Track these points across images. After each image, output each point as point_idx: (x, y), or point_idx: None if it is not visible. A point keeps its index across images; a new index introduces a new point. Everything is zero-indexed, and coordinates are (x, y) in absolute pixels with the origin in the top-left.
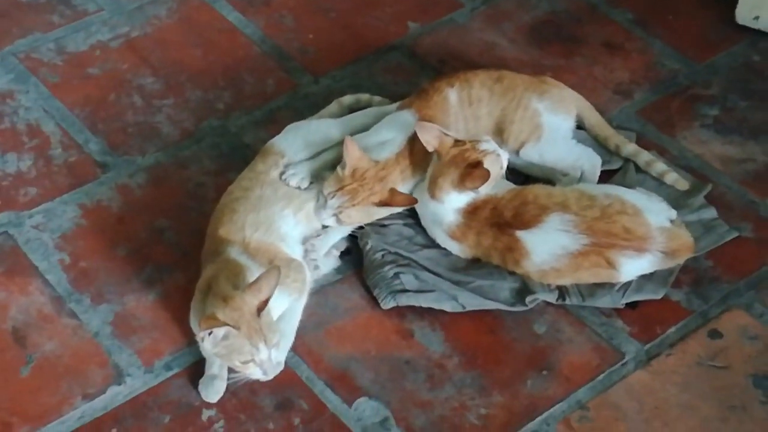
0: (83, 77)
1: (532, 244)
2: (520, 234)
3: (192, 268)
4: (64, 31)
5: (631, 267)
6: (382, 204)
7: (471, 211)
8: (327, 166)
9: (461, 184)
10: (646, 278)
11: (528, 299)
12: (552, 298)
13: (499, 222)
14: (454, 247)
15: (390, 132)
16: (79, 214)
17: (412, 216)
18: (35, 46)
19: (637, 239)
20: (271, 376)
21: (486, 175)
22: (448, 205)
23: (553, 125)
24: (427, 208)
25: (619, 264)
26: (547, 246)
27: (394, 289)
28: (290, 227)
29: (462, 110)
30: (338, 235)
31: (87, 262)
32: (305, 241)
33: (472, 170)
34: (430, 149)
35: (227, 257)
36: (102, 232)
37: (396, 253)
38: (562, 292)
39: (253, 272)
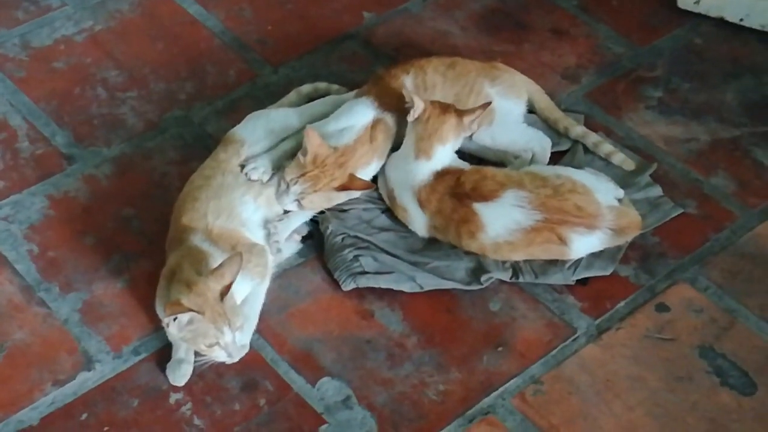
0: (48, 71)
1: (488, 218)
2: (477, 206)
3: (158, 256)
4: (29, 26)
5: (582, 244)
6: (342, 189)
7: (441, 175)
8: (287, 155)
9: (459, 122)
10: (595, 255)
11: (483, 278)
12: (506, 276)
13: (459, 193)
14: (416, 215)
15: (348, 119)
16: (47, 205)
17: (371, 201)
18: (0, 42)
19: (587, 216)
20: (236, 359)
21: (485, 106)
22: (432, 164)
23: (505, 109)
24: (400, 173)
25: (570, 240)
26: (502, 220)
27: (354, 272)
28: (251, 212)
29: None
30: (300, 219)
31: (55, 251)
32: (266, 224)
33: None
34: (413, 116)
35: (190, 244)
36: (70, 222)
37: (355, 237)
38: (516, 270)
39: (216, 258)
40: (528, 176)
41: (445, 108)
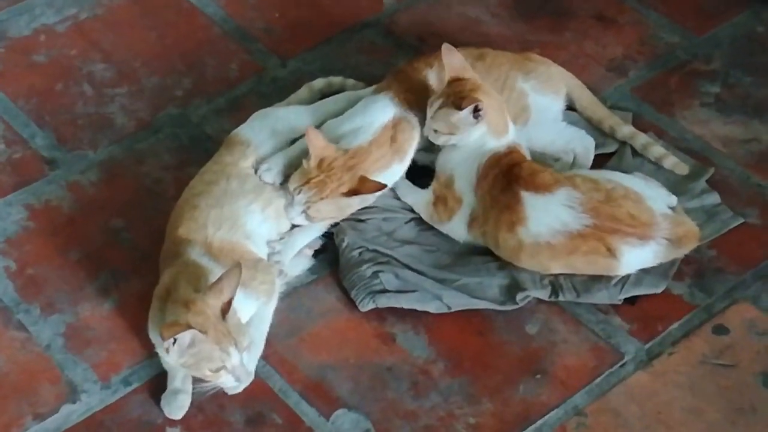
0: (27, 65)
1: (533, 210)
2: (525, 195)
3: (151, 273)
4: (6, 14)
5: (633, 257)
6: (351, 193)
7: (505, 154)
8: (298, 158)
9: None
10: (645, 271)
11: (518, 297)
12: (544, 294)
13: (513, 175)
14: (465, 206)
15: (364, 118)
16: (26, 216)
17: (392, 210)
18: None
19: (641, 225)
20: (245, 384)
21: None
22: (503, 140)
23: (541, 106)
24: (465, 152)
25: (620, 252)
26: (547, 218)
27: (373, 290)
28: (257, 224)
29: None
30: (305, 238)
31: (35, 268)
32: (268, 243)
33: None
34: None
35: (187, 259)
36: (51, 235)
37: (374, 251)
38: (556, 287)
39: (216, 275)
40: (579, 177)
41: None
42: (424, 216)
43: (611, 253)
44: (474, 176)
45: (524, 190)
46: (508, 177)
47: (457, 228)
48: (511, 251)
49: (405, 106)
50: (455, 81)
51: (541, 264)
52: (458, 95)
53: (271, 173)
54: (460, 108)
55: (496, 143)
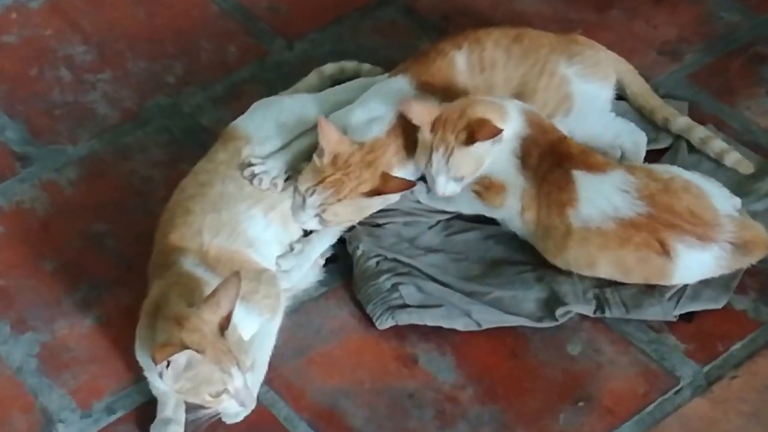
0: None
1: (585, 191)
2: (577, 174)
3: (138, 285)
4: None
5: (691, 260)
6: (374, 193)
7: (535, 134)
8: (306, 155)
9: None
10: (703, 283)
11: (558, 312)
12: (588, 310)
13: (562, 152)
14: (511, 179)
15: (379, 105)
16: None
17: (414, 213)
18: None
19: (702, 224)
20: (250, 408)
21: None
22: (510, 124)
23: (586, 95)
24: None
25: (676, 252)
26: (600, 200)
27: (392, 305)
28: (260, 230)
29: (472, 77)
30: (321, 244)
31: (5, 279)
32: (283, 244)
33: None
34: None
35: (180, 270)
36: (24, 242)
37: (394, 260)
38: (601, 302)
39: (213, 287)
40: (633, 166)
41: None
42: (474, 208)
43: (665, 251)
44: (514, 158)
45: (576, 168)
46: (555, 154)
47: (512, 217)
48: (559, 240)
49: (424, 90)
50: (438, 121)
51: (589, 255)
52: (462, 131)
53: (268, 176)
54: (474, 141)
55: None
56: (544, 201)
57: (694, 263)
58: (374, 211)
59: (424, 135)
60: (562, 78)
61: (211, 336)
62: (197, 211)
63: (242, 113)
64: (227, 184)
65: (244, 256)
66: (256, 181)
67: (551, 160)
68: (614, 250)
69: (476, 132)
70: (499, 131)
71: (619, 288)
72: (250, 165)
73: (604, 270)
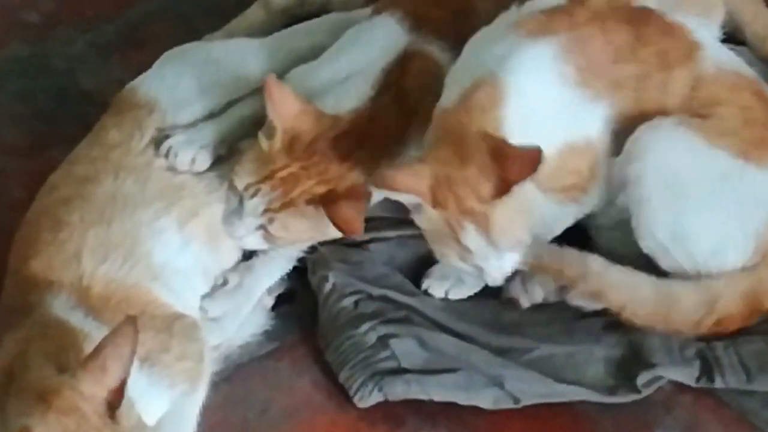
0: None
1: None
2: None
3: None
4: None
5: None
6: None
7: None
8: (246, 131)
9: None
10: None
11: (640, 379)
12: (689, 375)
13: None
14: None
15: (359, 55)
16: None
17: (411, 223)
18: None
19: None
20: None
21: None
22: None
23: None
24: None
25: None
26: None
27: (380, 369)
28: (173, 252)
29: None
30: (269, 275)
31: None
32: (210, 274)
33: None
34: None
35: (46, 316)
36: None
37: (382, 298)
38: (709, 362)
39: (97, 341)
40: None
41: None
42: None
43: None
44: None
45: None
46: None
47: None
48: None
49: (423, 30)
50: (438, 184)
51: None
52: (483, 180)
53: (188, 152)
54: (508, 188)
55: None
56: None
57: None
58: None
59: (429, 215)
60: None
61: (94, 420)
62: (74, 222)
63: (146, 69)
64: (122, 179)
65: (148, 295)
66: (171, 157)
67: None
68: None
69: (505, 172)
70: (538, 155)
71: (737, 342)
72: (166, 138)
73: None
